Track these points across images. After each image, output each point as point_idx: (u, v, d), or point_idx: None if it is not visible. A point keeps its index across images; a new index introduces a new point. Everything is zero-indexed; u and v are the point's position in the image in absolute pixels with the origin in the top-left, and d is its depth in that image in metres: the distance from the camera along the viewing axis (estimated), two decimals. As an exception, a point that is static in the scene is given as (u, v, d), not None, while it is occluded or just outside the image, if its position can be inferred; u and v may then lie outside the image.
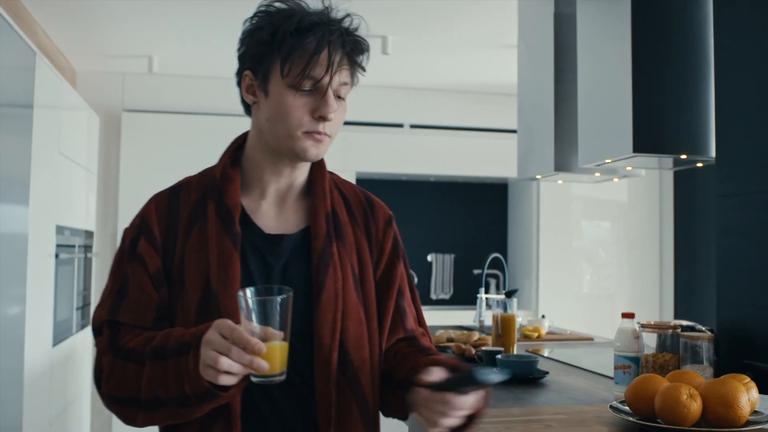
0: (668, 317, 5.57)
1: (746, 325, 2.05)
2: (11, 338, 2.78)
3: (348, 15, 1.27)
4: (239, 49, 1.30)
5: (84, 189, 4.27)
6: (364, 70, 1.30)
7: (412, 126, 5.65)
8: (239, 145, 1.37)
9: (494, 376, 1.02)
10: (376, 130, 5.51)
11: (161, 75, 5.14)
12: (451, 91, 5.68)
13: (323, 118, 1.22)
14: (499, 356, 2.41)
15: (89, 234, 4.45)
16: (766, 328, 1.98)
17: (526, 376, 2.31)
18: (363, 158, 5.43)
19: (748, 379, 1.49)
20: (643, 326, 2.10)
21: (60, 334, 3.64)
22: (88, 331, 4.53)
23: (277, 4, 1.27)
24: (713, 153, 2.48)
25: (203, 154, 5.07)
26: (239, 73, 1.30)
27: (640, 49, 2.42)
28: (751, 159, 2.06)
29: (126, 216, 4.98)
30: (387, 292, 1.33)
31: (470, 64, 4.90)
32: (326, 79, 1.21)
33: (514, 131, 5.58)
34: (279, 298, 1.05)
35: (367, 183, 5.60)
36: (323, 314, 1.22)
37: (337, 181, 1.41)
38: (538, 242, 5.56)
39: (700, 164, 2.61)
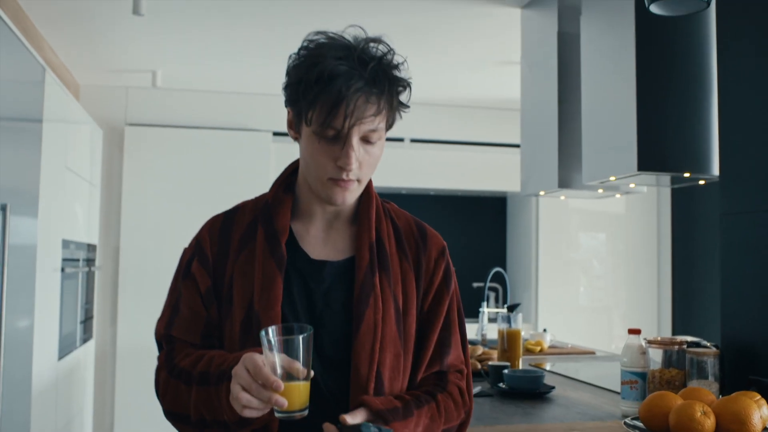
0: (666, 330, 5.61)
1: (750, 341, 2.09)
2: (20, 351, 2.80)
3: (384, 55, 1.23)
4: (284, 82, 1.29)
5: (87, 202, 4.29)
6: (404, 108, 1.27)
7: (413, 140, 5.70)
8: (293, 170, 1.38)
9: None
10: (376, 145, 5.55)
11: (164, 89, 5.18)
12: (452, 105, 5.73)
13: (342, 168, 1.21)
14: (506, 371, 2.44)
15: (92, 247, 4.47)
16: (771, 344, 2.02)
17: (533, 391, 2.35)
18: (364, 172, 5.47)
19: (759, 396, 1.53)
20: (649, 342, 2.14)
21: (65, 348, 3.65)
22: (90, 345, 4.55)
23: (315, 40, 1.25)
24: (715, 171, 2.53)
25: (206, 168, 5.16)
26: (285, 105, 1.31)
27: (644, 70, 2.47)
28: (754, 178, 2.11)
29: (128, 229, 5.01)
30: (431, 325, 1.32)
31: (470, 79, 4.96)
32: (345, 129, 1.19)
33: (512, 145, 5.66)
34: (300, 338, 1.07)
35: (367, 197, 5.63)
36: (361, 344, 1.23)
37: (392, 211, 1.40)
38: (537, 255, 5.60)
39: (702, 182, 2.66)
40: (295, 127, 1.29)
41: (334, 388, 1.23)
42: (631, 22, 2.51)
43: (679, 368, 2.09)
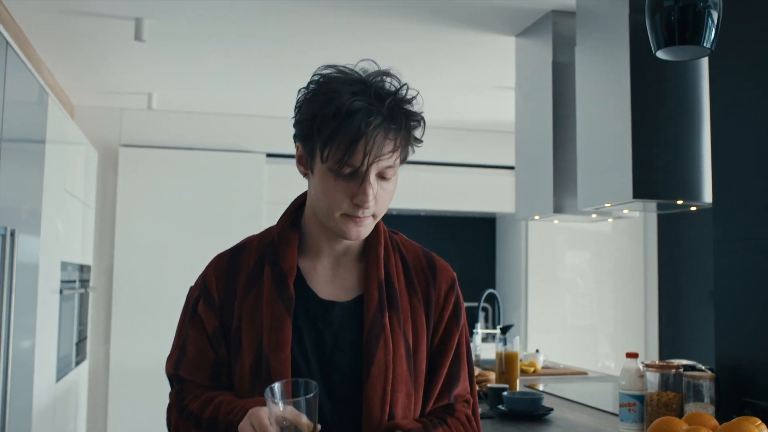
0: (653, 350, 5.70)
1: (744, 364, 2.16)
2: (22, 373, 2.82)
3: (398, 89, 1.22)
4: (293, 117, 1.28)
5: (82, 223, 4.32)
6: (418, 142, 1.25)
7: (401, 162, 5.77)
8: (300, 204, 1.36)
9: None
10: (368, 166, 5.62)
11: (160, 111, 5.22)
12: (442, 128, 5.81)
13: (359, 205, 1.19)
14: (505, 393, 2.49)
15: (86, 268, 4.49)
16: (764, 367, 2.09)
17: (532, 413, 2.40)
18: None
19: (759, 422, 1.59)
20: (647, 366, 2.20)
21: (62, 369, 3.66)
22: (84, 366, 4.55)
23: (326, 74, 1.24)
24: (705, 198, 2.61)
25: (199, 189, 5.20)
26: (294, 139, 1.29)
27: (638, 99, 2.56)
28: (746, 206, 2.19)
29: (122, 250, 5.02)
30: (441, 359, 1.31)
31: (463, 103, 5.04)
32: (364, 167, 1.16)
33: (502, 167, 5.75)
34: (304, 399, 1.07)
35: (359, 217, 5.69)
36: (373, 386, 1.22)
37: (400, 243, 1.37)
38: (527, 275, 5.68)
39: (693, 208, 2.74)
40: (305, 163, 1.25)
41: (345, 427, 1.23)
42: (625, 53, 2.59)
43: (676, 391, 2.15)
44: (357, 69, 1.24)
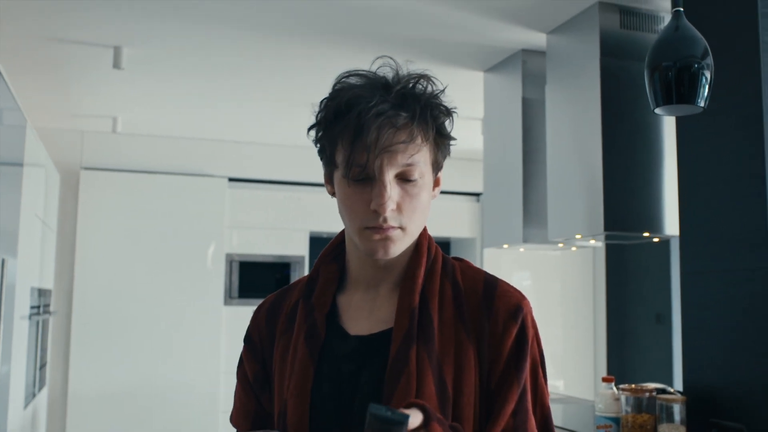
0: (601, 370, 5.91)
1: (711, 388, 2.33)
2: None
3: (415, 78, 1.07)
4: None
5: (43, 246, 4.27)
6: (448, 139, 1.11)
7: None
8: (344, 238, 1.22)
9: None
10: (329, 191, 5.70)
11: (122, 134, 5.20)
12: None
13: (377, 212, 1.04)
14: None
15: (48, 292, 4.43)
16: (729, 390, 2.26)
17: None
18: (317, 218, 5.61)
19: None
20: (622, 390, 2.35)
21: (28, 396, 3.62)
22: (44, 393, 4.48)
23: (340, 79, 1.10)
24: (667, 231, 2.80)
25: (161, 213, 5.20)
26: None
27: (609, 138, 2.73)
28: (712, 241, 2.36)
29: (82, 274, 4.97)
30: (499, 406, 1.06)
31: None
32: (371, 163, 1.03)
33: (459, 193, 5.91)
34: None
35: (319, 241, 5.77)
36: None
37: (459, 270, 1.16)
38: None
39: (656, 240, 2.92)
40: (329, 180, 1.14)
41: None
42: (596, 94, 2.77)
43: (649, 413, 2.30)
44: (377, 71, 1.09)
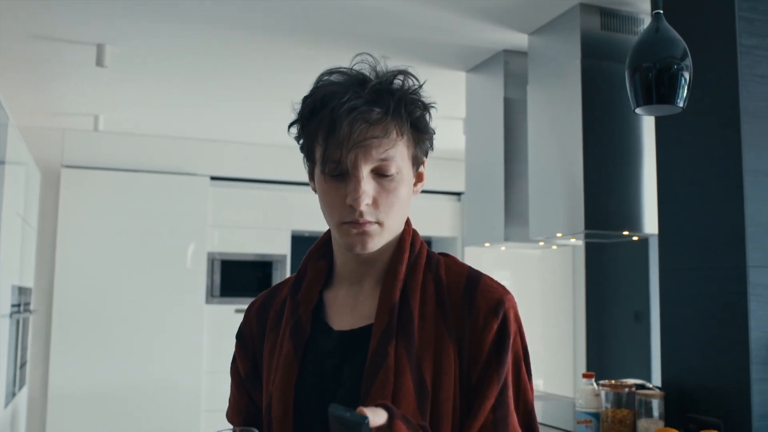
0: (581, 367, 5.97)
1: (688, 383, 2.37)
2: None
3: (391, 75, 1.09)
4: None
5: (22, 244, 4.25)
6: (424, 133, 1.11)
7: (345, 186, 5.89)
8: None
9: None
10: (311, 190, 5.69)
11: (104, 132, 5.18)
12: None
13: (353, 207, 1.05)
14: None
15: (28, 291, 4.41)
16: (705, 385, 2.30)
17: None
18: (299, 217, 5.62)
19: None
20: (602, 385, 2.39)
21: (8, 396, 3.60)
22: (24, 392, 4.45)
23: (322, 79, 1.10)
24: (646, 230, 2.85)
25: (143, 211, 5.18)
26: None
27: (590, 139, 2.77)
28: (689, 239, 2.41)
29: (62, 272, 4.94)
30: (479, 402, 1.05)
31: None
32: (345, 158, 1.04)
33: (441, 192, 5.95)
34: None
35: (301, 240, 5.78)
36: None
37: (443, 265, 1.16)
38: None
39: (635, 238, 2.97)
40: (311, 177, 1.15)
41: None
42: (577, 94, 2.81)
43: (629, 408, 2.34)
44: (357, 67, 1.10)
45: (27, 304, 4.36)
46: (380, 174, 1.06)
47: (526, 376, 1.10)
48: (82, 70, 3.84)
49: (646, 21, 2.94)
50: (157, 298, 5.11)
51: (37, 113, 4.83)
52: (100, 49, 3.37)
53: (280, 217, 5.58)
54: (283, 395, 1.09)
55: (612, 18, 2.89)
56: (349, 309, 1.15)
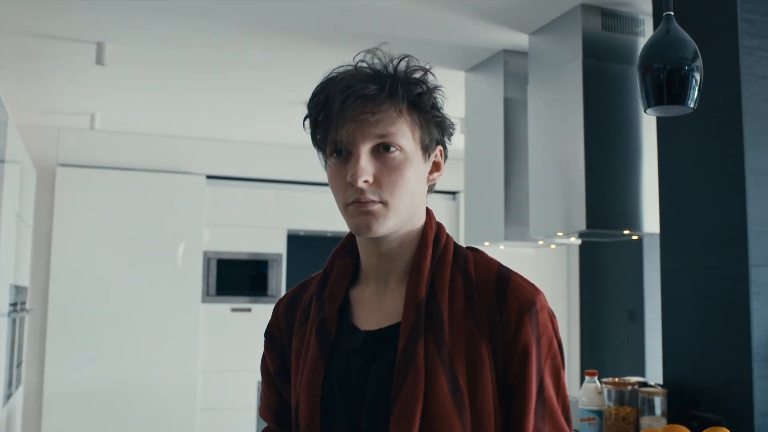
0: (575, 365, 6.00)
1: (690, 381, 2.39)
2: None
3: (392, 58, 1.10)
4: None
5: (17, 243, 4.22)
6: (427, 113, 1.10)
7: (340, 185, 5.89)
8: None
9: None
10: (306, 189, 5.72)
11: (100, 131, 5.16)
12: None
13: (351, 184, 1.04)
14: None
15: (24, 290, 4.39)
16: (707, 383, 2.33)
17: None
18: (295, 216, 5.62)
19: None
20: (605, 383, 2.41)
21: (5, 396, 3.58)
22: (20, 392, 4.43)
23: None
24: (646, 229, 2.87)
25: (139, 210, 5.16)
26: None
27: (591, 139, 2.79)
28: (690, 240, 2.43)
29: (58, 271, 4.92)
30: (521, 404, 1.04)
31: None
32: (341, 136, 1.04)
33: (433, 191, 5.95)
34: None
35: (297, 239, 5.78)
36: (397, 425, 1.01)
37: (471, 260, 1.13)
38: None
39: (635, 238, 2.99)
40: (325, 170, 1.14)
41: None
42: (579, 95, 2.82)
43: (632, 406, 2.36)
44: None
45: (23, 303, 4.34)
46: (381, 152, 1.05)
47: (564, 375, 1.09)
48: (80, 69, 3.82)
49: (647, 22, 2.96)
50: (153, 296, 5.09)
51: (33, 111, 4.81)
52: (99, 48, 3.36)
53: (275, 216, 5.58)
54: (309, 396, 1.09)
55: (613, 18, 2.91)
56: (375, 308, 1.13)
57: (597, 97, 2.83)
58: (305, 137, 1.13)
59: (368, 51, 1.10)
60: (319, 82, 1.08)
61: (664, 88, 1.61)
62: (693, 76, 1.62)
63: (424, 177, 1.12)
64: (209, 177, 5.44)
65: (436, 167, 1.15)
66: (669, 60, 1.63)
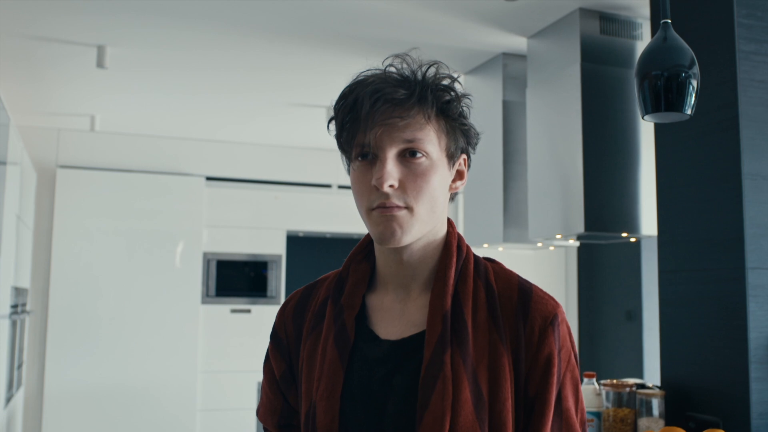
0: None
1: (687, 382, 2.41)
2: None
3: (421, 64, 1.10)
4: None
5: (18, 244, 4.24)
6: (455, 121, 1.09)
7: (340, 186, 5.91)
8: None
9: None
10: (306, 190, 5.74)
11: (99, 133, 5.17)
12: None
13: (376, 188, 1.03)
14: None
15: (24, 291, 4.40)
16: (704, 385, 2.35)
17: None
18: (295, 217, 5.64)
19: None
20: (603, 385, 2.43)
21: (7, 398, 3.60)
22: (21, 393, 4.45)
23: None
24: (643, 232, 2.89)
25: (138, 211, 5.18)
26: None
27: (589, 142, 2.81)
28: (688, 241, 2.45)
29: (59, 273, 4.93)
30: (540, 417, 1.04)
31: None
32: (368, 139, 1.03)
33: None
34: None
35: (296, 240, 5.80)
36: None
37: (491, 272, 1.13)
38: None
39: (633, 240, 3.01)
40: (349, 174, 1.12)
41: None
42: (577, 98, 2.84)
43: (630, 407, 2.38)
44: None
45: (24, 304, 4.35)
46: (407, 157, 1.04)
47: (579, 384, 1.10)
48: (81, 71, 3.84)
49: (645, 26, 2.98)
50: (153, 298, 5.11)
51: (34, 113, 4.82)
52: (100, 51, 3.38)
53: (275, 217, 5.59)
54: (329, 404, 1.07)
55: (611, 22, 2.93)
56: (396, 316, 1.11)
57: (595, 100, 2.85)
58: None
59: (397, 56, 1.09)
60: (347, 85, 1.08)
61: (662, 95, 1.63)
62: (690, 83, 1.64)
63: (448, 185, 1.11)
64: (209, 178, 5.46)
65: (459, 176, 1.15)
66: (666, 67, 1.65)
